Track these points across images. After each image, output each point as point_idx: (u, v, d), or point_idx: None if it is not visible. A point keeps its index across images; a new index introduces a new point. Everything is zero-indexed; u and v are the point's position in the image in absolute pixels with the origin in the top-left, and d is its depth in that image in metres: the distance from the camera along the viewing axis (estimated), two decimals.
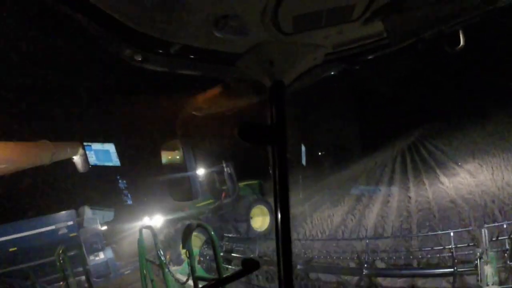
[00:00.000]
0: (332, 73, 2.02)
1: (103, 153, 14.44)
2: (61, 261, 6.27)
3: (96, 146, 14.25)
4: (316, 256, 8.26)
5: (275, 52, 1.54)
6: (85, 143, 13.51)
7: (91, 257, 12.31)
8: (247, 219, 14.00)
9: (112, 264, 12.48)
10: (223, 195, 13.94)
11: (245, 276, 1.85)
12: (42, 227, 12.39)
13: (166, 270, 5.87)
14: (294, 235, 11.09)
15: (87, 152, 13.40)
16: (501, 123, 25.60)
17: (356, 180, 22.42)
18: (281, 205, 1.54)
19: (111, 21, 1.25)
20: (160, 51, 1.49)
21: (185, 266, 8.08)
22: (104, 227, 13.97)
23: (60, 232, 12.59)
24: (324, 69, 1.88)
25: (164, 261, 5.88)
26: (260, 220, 14.66)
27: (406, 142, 40.12)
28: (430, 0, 1.41)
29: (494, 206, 9.23)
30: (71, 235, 12.47)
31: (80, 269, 9.38)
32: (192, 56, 1.55)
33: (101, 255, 12.34)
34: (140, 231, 6.21)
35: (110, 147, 14.76)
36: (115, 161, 14.93)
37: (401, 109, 58.73)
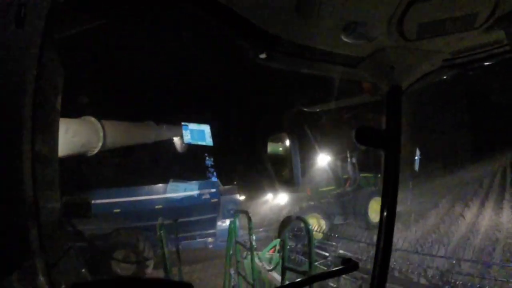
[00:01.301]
0: (444, 77, 1.98)
1: (198, 133, 15.19)
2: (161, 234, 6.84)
3: (193, 126, 15.04)
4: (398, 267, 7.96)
5: (396, 57, 1.57)
6: (182, 123, 14.44)
7: (219, 223, 13.64)
8: (366, 208, 14.59)
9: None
10: (347, 183, 14.90)
11: (343, 274, 1.89)
12: (191, 190, 14.15)
13: (255, 254, 6.11)
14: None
15: (184, 132, 14.34)
16: None
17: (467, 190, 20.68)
18: (388, 210, 1.58)
19: (242, 21, 1.36)
20: (286, 50, 1.57)
21: (264, 253, 8.34)
22: (242, 197, 15.51)
23: (203, 197, 14.18)
24: (438, 74, 1.86)
25: (255, 246, 6.13)
26: (377, 211, 14.28)
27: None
28: None
29: None
30: (213, 200, 13.97)
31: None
32: (317, 58, 1.62)
33: (227, 222, 12.94)
34: (235, 214, 6.53)
35: (206, 128, 15.48)
36: (208, 140, 15.64)
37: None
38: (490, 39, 1.61)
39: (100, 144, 7.70)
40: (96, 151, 7.81)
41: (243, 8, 1.30)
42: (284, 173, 2.26)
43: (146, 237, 12.40)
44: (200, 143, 15.54)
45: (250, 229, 6.14)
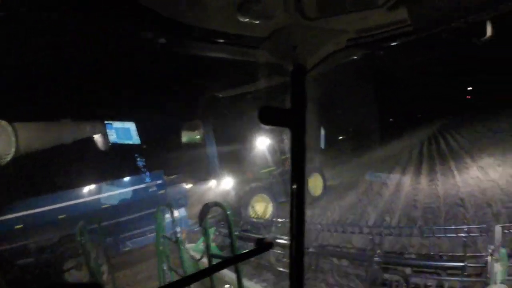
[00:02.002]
0: (354, 57, 2.02)
1: (123, 131, 14.63)
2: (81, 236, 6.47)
3: (117, 124, 14.43)
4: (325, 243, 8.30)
5: (298, 36, 1.55)
6: (106, 122, 13.79)
7: (167, 215, 13.28)
8: (306, 183, 14.99)
9: (185, 222, 13.42)
10: (286, 162, 15.62)
11: (257, 255, 1.89)
12: (135, 185, 13.68)
13: (182, 247, 6.03)
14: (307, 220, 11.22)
15: (108, 131, 13.72)
16: None
17: (374, 166, 22.45)
18: (297, 187, 1.57)
19: (135, 4, 1.28)
20: (184, 34, 1.51)
21: (199, 244, 8.29)
22: (189, 185, 14.98)
23: (150, 190, 13.79)
24: (346, 54, 1.88)
25: (181, 239, 6.04)
26: (316, 186, 16.64)
27: (427, 131, 39.46)
28: None
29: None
30: (160, 192, 13.65)
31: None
32: (216, 40, 1.57)
33: (176, 213, 13.28)
34: (158, 208, 6.36)
35: (131, 125, 14.92)
36: (135, 139, 15.12)
37: (425, 97, 57.57)
38: (394, 18, 1.63)
39: (13, 149, 7.03)
40: (9, 158, 7.13)
41: None
42: (200, 162, 2.19)
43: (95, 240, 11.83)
44: (126, 142, 15.00)
45: (173, 221, 6.03)
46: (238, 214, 13.41)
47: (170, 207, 6.09)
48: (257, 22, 1.39)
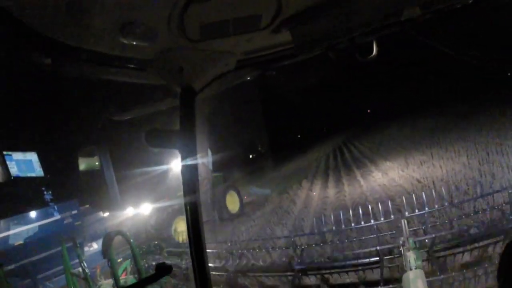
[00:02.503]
0: (248, 78, 2.08)
1: (25, 163, 13.40)
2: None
3: (18, 155, 13.18)
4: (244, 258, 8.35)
5: (184, 58, 1.56)
6: (5, 153, 12.54)
7: (86, 248, 12.42)
8: (224, 201, 16.62)
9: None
10: (204, 183, 15.43)
11: (157, 280, 1.83)
12: (48, 218, 12.58)
13: (93, 284, 5.61)
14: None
15: (8, 163, 12.46)
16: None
17: (283, 181, 23.80)
18: (191, 211, 1.57)
19: (18, 24, 1.19)
20: (69, 55, 1.44)
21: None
22: (106, 214, 14.12)
23: (66, 221, 12.77)
24: (237, 75, 1.93)
25: (89, 274, 5.60)
26: (234, 203, 17.35)
27: (332, 143, 42.15)
28: (337, 12, 1.48)
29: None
30: (77, 223, 12.70)
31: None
32: (102, 62, 1.52)
33: (95, 245, 12.45)
34: (62, 242, 5.86)
35: (33, 156, 13.73)
36: (38, 171, 13.93)
37: (328, 113, 61.43)
38: (279, 40, 1.69)
39: None
40: None
41: (13, 6, 1.12)
42: (99, 190, 2.08)
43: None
44: (29, 174, 13.72)
45: (79, 255, 5.61)
46: (162, 238, 13.14)
47: (74, 239, 5.63)
48: (141, 44, 1.36)
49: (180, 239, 13.38)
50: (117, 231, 4.48)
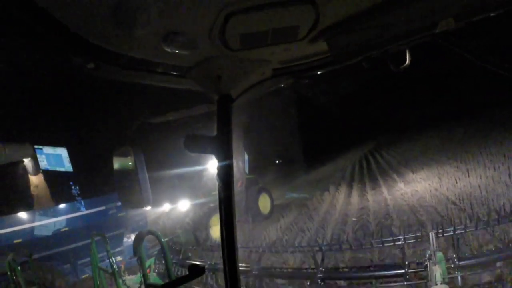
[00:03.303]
0: (282, 85, 2.11)
1: (54, 157, 13.85)
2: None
3: (48, 149, 13.64)
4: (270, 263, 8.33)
5: (223, 67, 1.60)
6: (36, 146, 12.99)
7: (125, 239, 12.97)
8: (257, 203, 17.06)
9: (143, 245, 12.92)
10: (238, 184, 16.32)
11: (190, 281, 1.88)
12: (93, 208, 13.12)
13: (119, 279, 5.75)
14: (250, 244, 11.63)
15: (38, 156, 12.91)
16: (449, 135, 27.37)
17: (311, 186, 23.82)
18: (226, 213, 1.61)
19: (64, 31, 1.25)
20: (112, 62, 1.50)
21: (140, 275, 7.93)
22: (148, 207, 14.34)
23: (110, 212, 13.32)
24: (272, 83, 1.96)
25: (117, 270, 5.75)
26: (265, 205, 17.74)
27: (359, 152, 41.70)
28: (374, 24, 1.50)
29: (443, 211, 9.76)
30: (120, 214, 13.20)
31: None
32: (143, 68, 1.58)
33: (133, 237, 12.56)
34: (92, 237, 6.03)
35: (62, 152, 14.16)
36: (67, 166, 14.35)
37: (355, 123, 60.69)
38: (316, 50, 1.72)
39: None
40: None
41: (61, 14, 1.18)
42: (132, 189, 2.15)
43: (52, 267, 10.98)
44: (58, 169, 14.16)
45: (108, 251, 5.75)
46: (197, 234, 13.52)
47: (104, 236, 5.78)
48: (182, 52, 1.42)
49: (214, 237, 13.73)
50: (148, 230, 4.58)
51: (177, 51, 1.39)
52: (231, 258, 1.63)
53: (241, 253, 9.10)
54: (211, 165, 15.27)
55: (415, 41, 1.75)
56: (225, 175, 1.65)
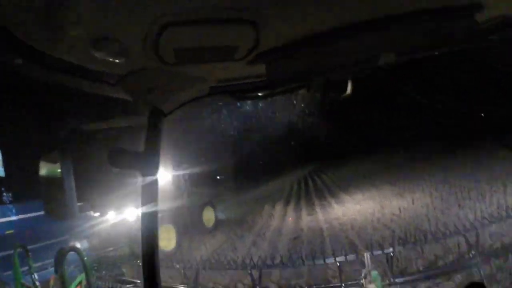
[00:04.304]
0: (220, 103, 2.09)
1: None
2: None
3: None
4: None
5: (155, 79, 1.55)
6: None
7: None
8: (201, 216, 17.57)
9: (88, 254, 11.89)
10: (184, 196, 17.30)
11: None
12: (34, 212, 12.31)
13: None
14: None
15: None
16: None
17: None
18: (147, 237, 1.55)
19: None
20: (40, 60, 1.40)
21: None
22: (97, 214, 13.89)
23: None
24: (210, 100, 1.95)
25: (38, 285, 5.33)
26: (210, 219, 18.10)
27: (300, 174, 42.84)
28: (315, 51, 1.52)
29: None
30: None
31: None
32: (72, 71, 1.49)
33: (78, 245, 11.44)
34: (15, 249, 5.57)
35: None
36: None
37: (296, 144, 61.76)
38: (255, 71, 1.70)
39: None
40: None
41: None
42: (56, 199, 2.02)
43: None
44: None
45: (30, 266, 5.34)
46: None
47: (26, 249, 5.36)
48: (114, 60, 1.35)
49: (164, 248, 13.49)
50: (70, 246, 4.31)
51: (108, 58, 1.33)
52: (151, 276, 1.55)
53: (175, 271, 8.96)
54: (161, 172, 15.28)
55: (357, 71, 1.82)
56: (150, 194, 1.58)
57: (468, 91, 27.55)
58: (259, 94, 2.03)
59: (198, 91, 1.77)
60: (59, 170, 2.02)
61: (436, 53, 1.88)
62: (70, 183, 1.97)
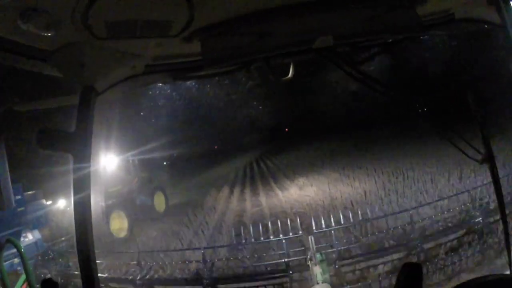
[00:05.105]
0: (160, 84, 2.02)
1: None
2: None
3: None
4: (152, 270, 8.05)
5: (87, 55, 1.46)
6: None
7: (22, 238, 11.13)
8: (152, 201, 17.67)
9: (40, 245, 11.81)
10: (135, 181, 17.11)
11: None
12: None
13: None
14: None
15: None
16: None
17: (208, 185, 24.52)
18: (80, 220, 1.45)
19: None
20: None
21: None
22: (49, 202, 14.06)
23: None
24: (147, 79, 1.86)
25: None
26: (161, 204, 18.44)
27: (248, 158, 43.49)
28: (251, 30, 1.50)
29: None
30: (19, 209, 11.34)
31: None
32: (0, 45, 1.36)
33: (30, 236, 11.54)
34: None
35: None
36: None
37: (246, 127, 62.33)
38: (190, 50, 1.67)
39: None
40: None
41: None
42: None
43: None
44: None
45: None
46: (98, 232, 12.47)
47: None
48: (42, 33, 1.24)
49: (117, 235, 13.80)
50: (7, 238, 3.98)
51: (36, 31, 1.22)
52: (87, 267, 1.45)
53: (128, 257, 8.72)
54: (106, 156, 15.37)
55: (295, 54, 1.84)
56: (82, 177, 1.46)
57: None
58: (197, 74, 2.00)
59: (133, 69, 1.70)
60: None
61: (375, 40, 1.94)
62: (4, 169, 1.81)
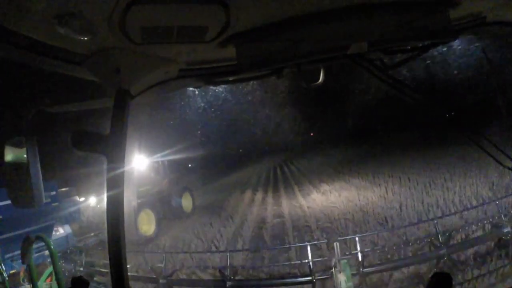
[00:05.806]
0: (191, 88, 2.06)
1: None
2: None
3: None
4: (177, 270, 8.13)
5: (122, 59, 1.49)
6: None
7: (53, 232, 11.63)
8: (181, 201, 18.03)
9: (71, 239, 12.29)
10: (165, 182, 17.76)
11: None
12: None
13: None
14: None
15: None
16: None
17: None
18: (112, 221, 1.49)
19: None
20: (5, 38, 1.33)
21: (42, 280, 7.15)
22: (82, 199, 14.61)
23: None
24: (180, 83, 1.89)
25: (7, 278, 5.14)
26: (188, 204, 18.74)
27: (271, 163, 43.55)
28: (286, 37, 1.50)
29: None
30: (54, 204, 11.79)
31: None
32: (37, 49, 1.42)
33: (61, 230, 11.91)
34: None
35: None
36: None
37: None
38: (225, 55, 1.68)
39: None
40: None
41: None
42: (22, 185, 1.93)
43: None
44: None
45: None
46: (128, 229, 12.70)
47: None
48: (79, 38, 1.29)
49: (144, 233, 14.03)
50: (37, 235, 4.11)
51: (72, 36, 1.26)
52: (118, 264, 1.48)
53: (155, 256, 8.89)
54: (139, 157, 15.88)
55: (328, 60, 1.83)
56: (116, 179, 1.50)
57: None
58: (229, 79, 2.01)
59: (167, 73, 1.73)
60: (24, 156, 1.93)
61: (408, 46, 1.92)
62: (37, 169, 1.88)
